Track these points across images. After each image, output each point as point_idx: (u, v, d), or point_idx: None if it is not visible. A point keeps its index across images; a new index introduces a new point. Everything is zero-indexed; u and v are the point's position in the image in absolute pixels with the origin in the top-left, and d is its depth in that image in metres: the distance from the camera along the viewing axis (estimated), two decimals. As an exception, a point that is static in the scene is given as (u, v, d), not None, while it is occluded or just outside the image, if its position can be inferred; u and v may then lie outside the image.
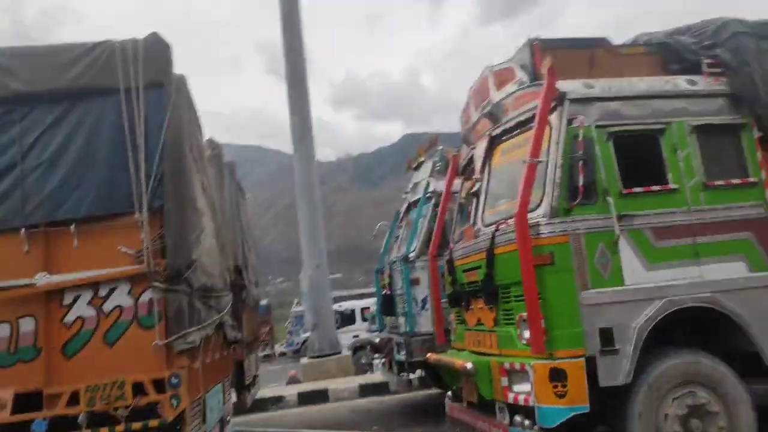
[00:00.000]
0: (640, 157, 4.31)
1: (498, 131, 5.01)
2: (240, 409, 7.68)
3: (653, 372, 3.98)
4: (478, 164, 5.24)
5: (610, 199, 4.13)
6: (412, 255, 7.42)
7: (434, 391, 8.90)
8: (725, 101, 4.54)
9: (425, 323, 7.12)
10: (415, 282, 7.31)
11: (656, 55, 4.98)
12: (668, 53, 4.94)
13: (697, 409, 3.99)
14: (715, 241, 4.26)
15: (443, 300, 6.01)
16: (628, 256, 4.12)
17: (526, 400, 3.96)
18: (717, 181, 4.36)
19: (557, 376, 3.82)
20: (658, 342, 4.07)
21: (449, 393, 5.34)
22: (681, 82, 4.57)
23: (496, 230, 4.46)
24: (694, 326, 4.29)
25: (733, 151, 4.50)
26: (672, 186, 4.30)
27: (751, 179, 4.43)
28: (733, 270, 4.24)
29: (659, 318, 4.01)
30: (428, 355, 5.77)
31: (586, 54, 4.77)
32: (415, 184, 8.57)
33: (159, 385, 4.03)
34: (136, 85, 4.38)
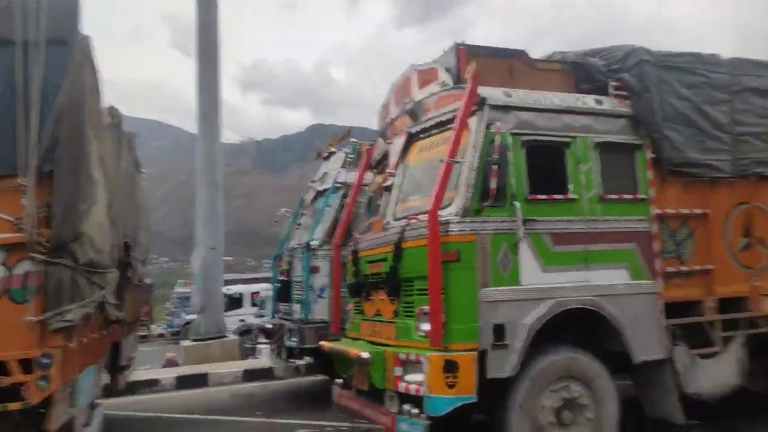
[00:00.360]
0: (547, 167, 4.54)
1: (417, 129, 5.08)
2: (111, 391, 7.21)
3: (536, 366, 4.24)
4: (393, 159, 5.29)
5: (517, 204, 4.32)
6: (314, 243, 7.35)
7: (321, 378, 8.89)
8: (626, 122, 4.90)
9: (320, 311, 7.12)
10: (314, 270, 7.26)
11: (569, 73, 5.28)
12: (580, 72, 5.26)
13: (570, 401, 4.31)
14: (604, 249, 4.60)
15: (342, 290, 6.00)
16: (527, 258, 4.34)
17: (417, 390, 4.06)
18: (612, 195, 4.70)
19: (450, 367, 3.96)
20: (546, 339, 4.32)
21: (338, 380, 5.36)
22: (589, 101, 4.87)
23: (407, 225, 4.51)
24: (580, 326, 4.60)
25: (628, 168, 4.87)
26: (572, 196, 4.58)
27: (641, 195, 4.82)
28: (617, 277, 4.61)
29: (548, 317, 4.27)
30: (321, 342, 5.76)
31: (507, 64, 4.95)
32: (325, 174, 8.49)
33: (28, 365, 3.66)
34: (36, 40, 3.94)
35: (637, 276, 4.67)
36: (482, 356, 4.09)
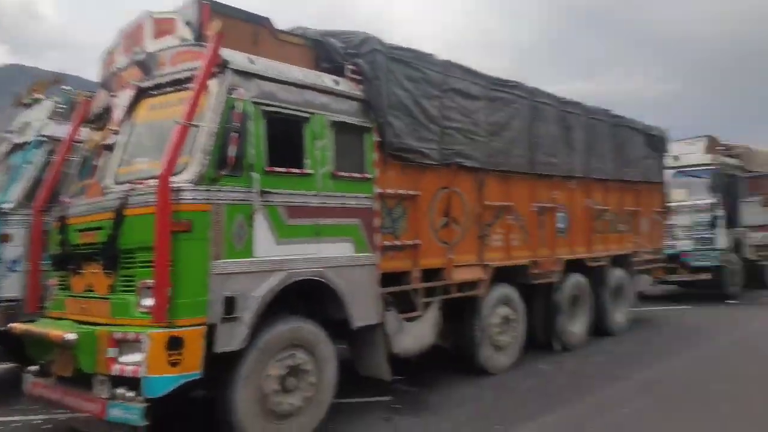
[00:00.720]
0: (285, 140, 4.57)
1: (149, 84, 4.61)
2: None
3: (264, 337, 4.29)
4: (117, 114, 4.72)
5: (255, 174, 4.27)
6: (7, 206, 6.12)
7: (7, 366, 7.51)
8: (359, 105, 5.20)
9: (10, 288, 6.00)
10: (5, 239, 6.07)
11: (311, 49, 5.38)
12: (320, 51, 5.40)
13: (295, 368, 4.48)
14: (333, 223, 4.85)
15: (44, 262, 5.16)
16: (261, 229, 4.34)
17: (134, 371, 3.77)
18: (342, 173, 4.96)
19: (174, 344, 3.77)
20: (276, 310, 4.41)
21: (32, 368, 4.66)
22: (328, 80, 5.04)
23: (131, 190, 4.10)
24: (308, 295, 4.81)
25: (357, 149, 5.18)
26: (308, 171, 4.70)
27: (367, 175, 5.20)
28: (343, 250, 4.92)
29: (279, 288, 4.36)
30: (12, 324, 4.90)
31: (251, 29, 4.82)
32: (26, 125, 7.09)
33: None
34: None
35: (360, 249, 5.06)
36: (211, 330, 3.96)
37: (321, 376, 4.68)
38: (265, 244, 4.36)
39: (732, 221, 12.57)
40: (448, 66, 6.11)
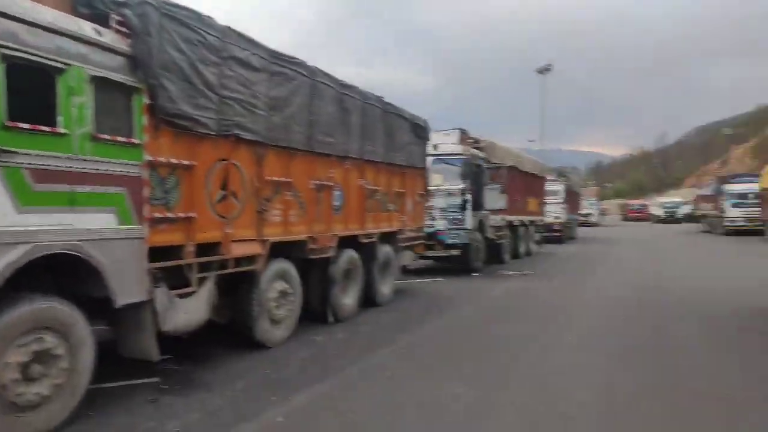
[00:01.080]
0: (32, 92, 3.92)
1: None
2: None
3: (1, 319, 3.73)
4: None
5: None
6: None
7: None
8: (126, 62, 4.67)
9: None
10: None
11: (66, -10, 4.66)
12: None
13: (42, 354, 3.98)
14: (92, 191, 4.34)
15: None
16: None
17: None
18: (105, 135, 4.44)
19: None
20: (18, 287, 3.83)
21: None
22: (88, 28, 4.41)
23: None
24: (59, 271, 4.26)
25: (124, 110, 4.67)
26: (61, 130, 4.11)
27: (135, 140, 4.73)
28: (104, 221, 4.45)
29: (22, 264, 3.79)
30: None
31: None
32: None
33: None
34: None
35: (125, 221, 4.63)
36: None
37: (75, 360, 4.22)
38: (4, 212, 3.72)
39: (477, 205, 14.55)
40: (229, 33, 5.85)
